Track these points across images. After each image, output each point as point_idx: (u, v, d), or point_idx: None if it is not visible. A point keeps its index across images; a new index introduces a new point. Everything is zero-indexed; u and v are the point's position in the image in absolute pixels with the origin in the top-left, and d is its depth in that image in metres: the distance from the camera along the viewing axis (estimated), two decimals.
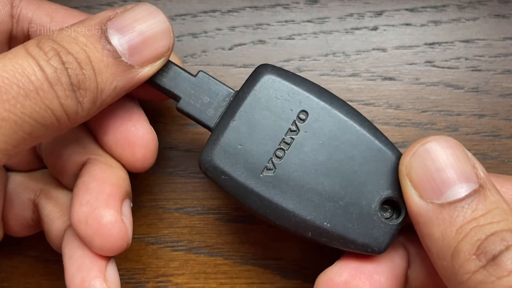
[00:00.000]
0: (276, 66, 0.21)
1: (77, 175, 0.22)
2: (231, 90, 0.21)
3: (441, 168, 0.18)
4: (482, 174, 0.18)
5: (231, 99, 0.21)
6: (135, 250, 0.25)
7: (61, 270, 0.25)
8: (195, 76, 0.21)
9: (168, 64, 0.21)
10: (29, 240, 0.25)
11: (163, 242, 0.25)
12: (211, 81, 0.21)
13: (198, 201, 0.25)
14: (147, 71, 0.19)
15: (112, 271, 0.20)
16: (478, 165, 0.18)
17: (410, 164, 0.19)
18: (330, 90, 0.21)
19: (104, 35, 0.18)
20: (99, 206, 0.20)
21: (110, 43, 0.18)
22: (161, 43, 0.20)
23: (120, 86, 0.19)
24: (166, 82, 0.21)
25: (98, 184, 0.20)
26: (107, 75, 0.18)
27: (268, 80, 0.20)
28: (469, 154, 0.19)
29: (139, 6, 0.20)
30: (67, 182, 0.22)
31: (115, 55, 0.19)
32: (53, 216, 0.22)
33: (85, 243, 0.20)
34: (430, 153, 0.18)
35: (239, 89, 0.21)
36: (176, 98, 0.21)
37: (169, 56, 0.20)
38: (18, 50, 0.17)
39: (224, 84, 0.21)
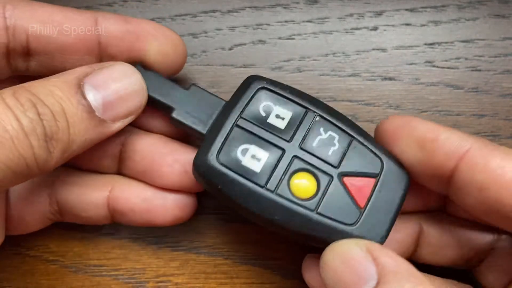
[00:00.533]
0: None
1: (117, 156, 0.23)
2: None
3: (335, 282, 0.18)
4: (384, 262, 0.17)
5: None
6: (135, 250, 0.25)
7: (60, 270, 0.25)
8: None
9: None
10: (29, 241, 0.25)
11: (163, 242, 0.25)
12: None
13: (198, 201, 0.25)
14: (118, 126, 0.21)
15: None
16: (381, 252, 0.18)
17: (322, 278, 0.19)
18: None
19: (80, 90, 0.19)
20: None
21: (85, 98, 0.19)
22: (134, 102, 0.21)
23: (90, 138, 0.20)
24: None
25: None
26: (79, 128, 0.19)
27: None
28: (364, 246, 0.18)
29: (116, 66, 0.21)
30: (106, 166, 0.23)
31: (89, 110, 0.19)
32: (83, 194, 0.23)
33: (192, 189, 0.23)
34: (328, 267, 0.18)
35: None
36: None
37: (140, 112, 0.21)
38: None
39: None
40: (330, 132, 0.20)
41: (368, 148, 0.20)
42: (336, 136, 0.20)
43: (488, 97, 0.26)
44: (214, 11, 0.27)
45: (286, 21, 0.27)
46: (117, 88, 0.20)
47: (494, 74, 0.26)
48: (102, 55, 0.21)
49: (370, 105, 0.26)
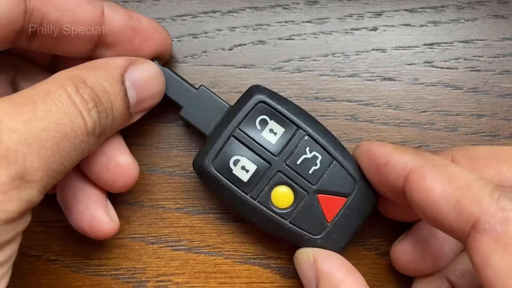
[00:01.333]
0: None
1: None
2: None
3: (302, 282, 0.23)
4: (322, 268, 0.22)
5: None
6: (135, 250, 0.25)
7: (61, 269, 0.25)
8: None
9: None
10: (30, 240, 0.25)
11: (163, 241, 0.25)
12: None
13: (198, 200, 0.25)
14: (137, 118, 0.22)
15: (112, 209, 0.23)
16: (323, 259, 0.22)
17: None
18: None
19: (123, 87, 0.21)
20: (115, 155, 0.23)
21: (126, 95, 0.21)
22: (156, 99, 0.23)
23: (118, 130, 0.21)
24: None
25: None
26: (117, 123, 0.21)
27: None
28: (312, 254, 0.22)
29: (149, 65, 0.22)
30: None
31: (128, 106, 0.21)
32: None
33: (107, 186, 0.23)
34: (296, 269, 0.23)
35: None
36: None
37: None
38: (60, 94, 0.18)
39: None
40: (314, 152, 0.23)
41: (346, 170, 0.23)
42: (319, 157, 0.23)
43: (487, 97, 0.26)
44: (214, 12, 0.27)
45: (286, 22, 0.27)
46: (149, 88, 0.22)
47: (493, 74, 0.26)
48: (100, 43, 0.22)
49: (370, 105, 0.26)
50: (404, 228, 0.25)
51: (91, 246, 0.25)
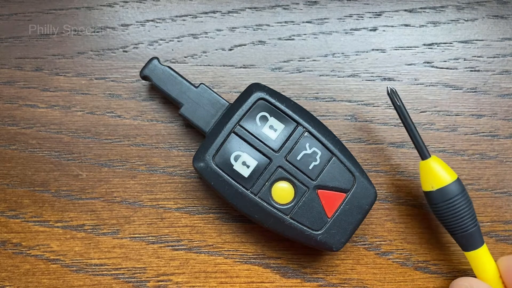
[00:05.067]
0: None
1: None
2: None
3: None
4: None
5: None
6: (135, 250, 0.25)
7: (61, 269, 0.25)
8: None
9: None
10: (30, 240, 0.25)
11: (163, 241, 0.25)
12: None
13: (198, 200, 0.25)
14: None
15: None
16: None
17: None
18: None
19: None
20: None
21: None
22: None
23: None
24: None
25: None
26: None
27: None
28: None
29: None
30: None
31: None
32: None
33: None
34: None
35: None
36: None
37: None
38: None
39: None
40: (314, 148, 0.23)
41: (345, 166, 0.23)
42: (319, 153, 0.23)
43: (487, 97, 0.26)
44: (214, 12, 0.27)
45: (285, 22, 0.27)
46: None
47: (493, 75, 0.27)
48: None
49: (370, 105, 0.26)
50: (404, 226, 0.25)
51: (91, 246, 0.25)
